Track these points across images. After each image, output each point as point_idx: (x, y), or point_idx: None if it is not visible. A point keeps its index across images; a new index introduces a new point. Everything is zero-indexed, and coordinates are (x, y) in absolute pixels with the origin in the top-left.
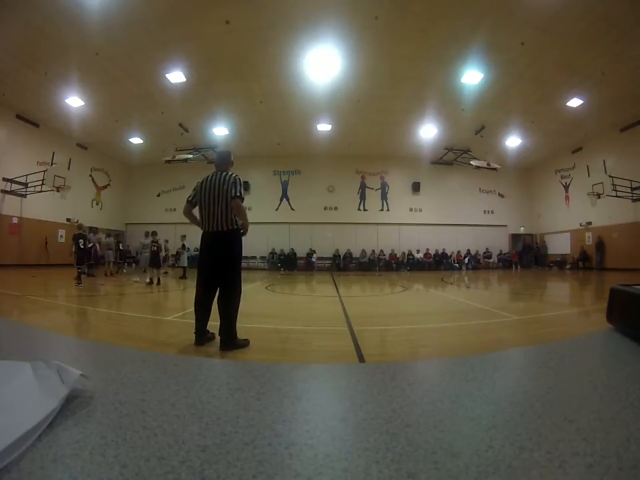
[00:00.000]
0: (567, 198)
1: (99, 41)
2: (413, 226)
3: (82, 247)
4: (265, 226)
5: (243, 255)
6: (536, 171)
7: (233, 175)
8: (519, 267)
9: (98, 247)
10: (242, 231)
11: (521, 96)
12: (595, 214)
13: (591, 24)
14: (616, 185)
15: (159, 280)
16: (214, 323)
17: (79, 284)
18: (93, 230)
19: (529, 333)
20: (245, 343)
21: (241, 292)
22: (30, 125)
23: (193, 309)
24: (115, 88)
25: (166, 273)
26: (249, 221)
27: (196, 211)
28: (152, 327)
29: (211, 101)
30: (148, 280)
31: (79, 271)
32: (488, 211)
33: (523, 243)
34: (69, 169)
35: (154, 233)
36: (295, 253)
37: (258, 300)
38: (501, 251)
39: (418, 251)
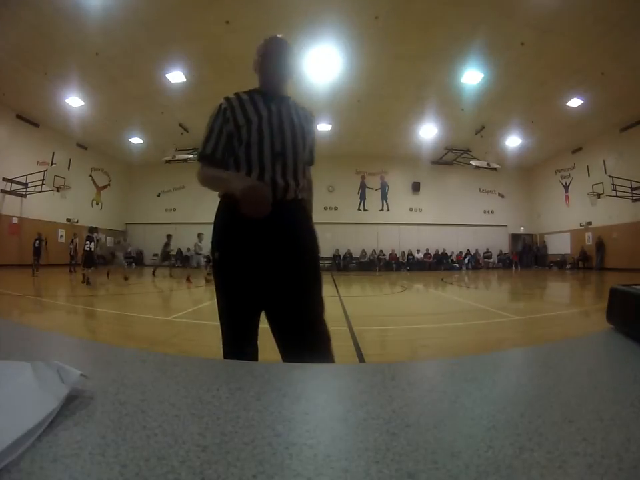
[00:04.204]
0: (567, 198)
1: (98, 41)
2: (412, 226)
3: (36, 246)
4: None
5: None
6: (536, 171)
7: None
8: (519, 266)
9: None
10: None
11: (521, 96)
12: (595, 214)
13: (591, 24)
14: (616, 185)
15: (88, 280)
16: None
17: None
18: (94, 230)
19: (529, 332)
20: None
21: None
22: (30, 124)
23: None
24: (115, 88)
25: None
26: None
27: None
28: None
29: (211, 101)
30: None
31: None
32: (488, 211)
33: (523, 243)
34: (69, 169)
35: (92, 230)
36: None
37: None
38: (501, 250)
39: (418, 251)
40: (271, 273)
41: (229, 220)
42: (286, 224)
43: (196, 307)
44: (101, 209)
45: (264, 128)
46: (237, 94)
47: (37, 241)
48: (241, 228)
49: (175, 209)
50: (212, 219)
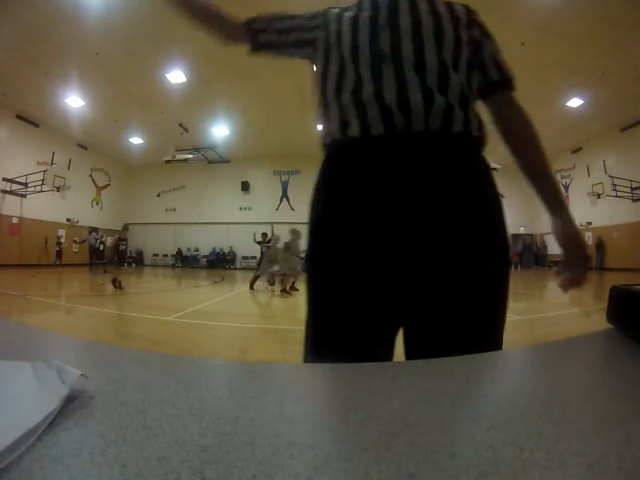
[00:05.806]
0: (567, 198)
1: (99, 41)
2: None
3: (58, 249)
4: (266, 226)
5: (242, 254)
6: None
7: None
8: (519, 266)
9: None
10: None
11: (521, 96)
12: (595, 214)
13: (592, 24)
14: (616, 185)
15: (120, 283)
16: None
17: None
18: (94, 230)
19: (529, 332)
20: None
21: None
22: (30, 124)
23: None
24: (115, 88)
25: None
26: (247, 220)
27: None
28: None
29: (211, 101)
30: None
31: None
32: None
33: (523, 243)
34: (69, 169)
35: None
36: None
37: (258, 300)
38: None
39: None
40: (410, 264)
41: (335, 185)
42: (427, 180)
43: None
44: (101, 209)
45: (345, 15)
46: None
47: (58, 244)
48: (355, 196)
49: (174, 209)
50: (211, 219)
